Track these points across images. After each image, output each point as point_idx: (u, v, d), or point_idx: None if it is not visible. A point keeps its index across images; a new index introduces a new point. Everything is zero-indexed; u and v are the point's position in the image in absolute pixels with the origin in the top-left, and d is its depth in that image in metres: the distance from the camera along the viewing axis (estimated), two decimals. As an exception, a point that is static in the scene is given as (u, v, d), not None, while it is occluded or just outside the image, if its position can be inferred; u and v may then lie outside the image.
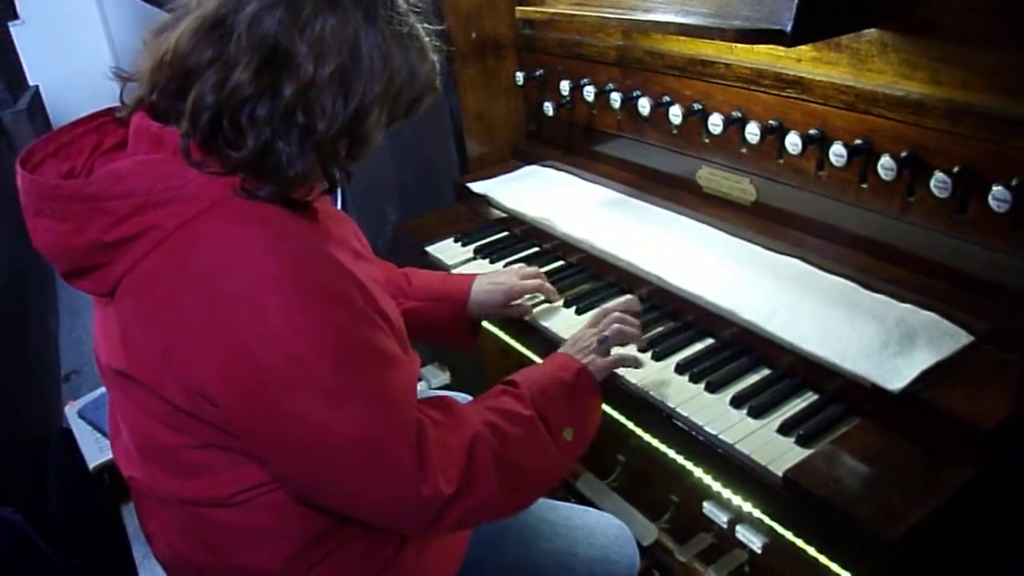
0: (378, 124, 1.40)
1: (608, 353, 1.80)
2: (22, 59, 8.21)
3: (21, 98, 7.36)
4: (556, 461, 1.63)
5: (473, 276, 2.16)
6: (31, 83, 8.20)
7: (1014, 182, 1.58)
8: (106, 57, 9.87)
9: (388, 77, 1.37)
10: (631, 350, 1.87)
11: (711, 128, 2.15)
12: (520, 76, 2.76)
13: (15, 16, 9.51)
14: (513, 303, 2.14)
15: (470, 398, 2.14)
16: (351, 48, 1.33)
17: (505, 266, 2.42)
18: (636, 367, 1.85)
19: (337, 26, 1.31)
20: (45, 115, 8.16)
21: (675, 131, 2.31)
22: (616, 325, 1.83)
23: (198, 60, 1.30)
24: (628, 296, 1.95)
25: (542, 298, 2.19)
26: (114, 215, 1.29)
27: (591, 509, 2.01)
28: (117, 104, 1.47)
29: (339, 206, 3.09)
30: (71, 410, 3.12)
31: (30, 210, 1.37)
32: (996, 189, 1.59)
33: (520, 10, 2.43)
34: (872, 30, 1.80)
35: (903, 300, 1.81)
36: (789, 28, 1.65)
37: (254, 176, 1.31)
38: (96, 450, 2.89)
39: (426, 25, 1.47)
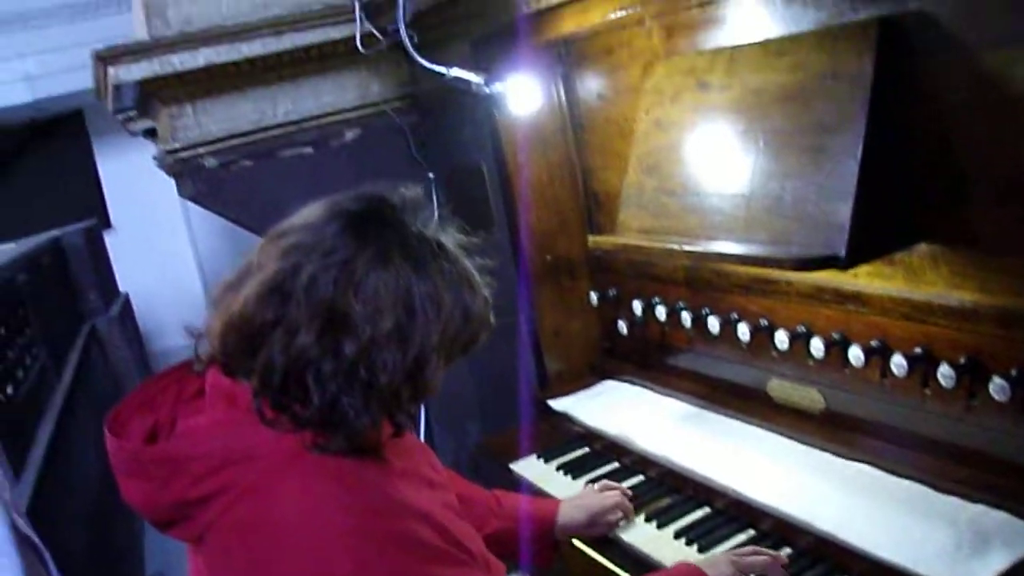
0: (437, 368, 1.50)
1: None
2: (114, 267, 8.69)
3: (113, 305, 7.77)
4: None
5: (559, 500, 2.30)
6: (121, 290, 8.65)
7: (1069, 381, 1.70)
8: (191, 266, 10.45)
9: (443, 323, 1.48)
10: None
11: (778, 344, 2.31)
12: (594, 296, 2.97)
13: (108, 225, 10.15)
14: (597, 523, 2.27)
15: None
16: (405, 303, 1.44)
17: (586, 484, 2.55)
18: None
19: (390, 281, 1.43)
20: (134, 322, 8.59)
21: (744, 346, 2.47)
22: (759, 558, 1.94)
23: (262, 323, 1.42)
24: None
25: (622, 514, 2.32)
26: (195, 474, 1.43)
27: None
28: (200, 312, 1.62)
29: (421, 425, 3.27)
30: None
31: (118, 470, 1.52)
32: (1052, 389, 1.72)
33: (593, 240, 2.66)
34: (922, 244, 1.96)
35: (974, 501, 1.90)
36: (843, 253, 1.84)
37: (323, 431, 1.44)
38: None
39: (477, 260, 1.58)
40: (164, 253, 10.20)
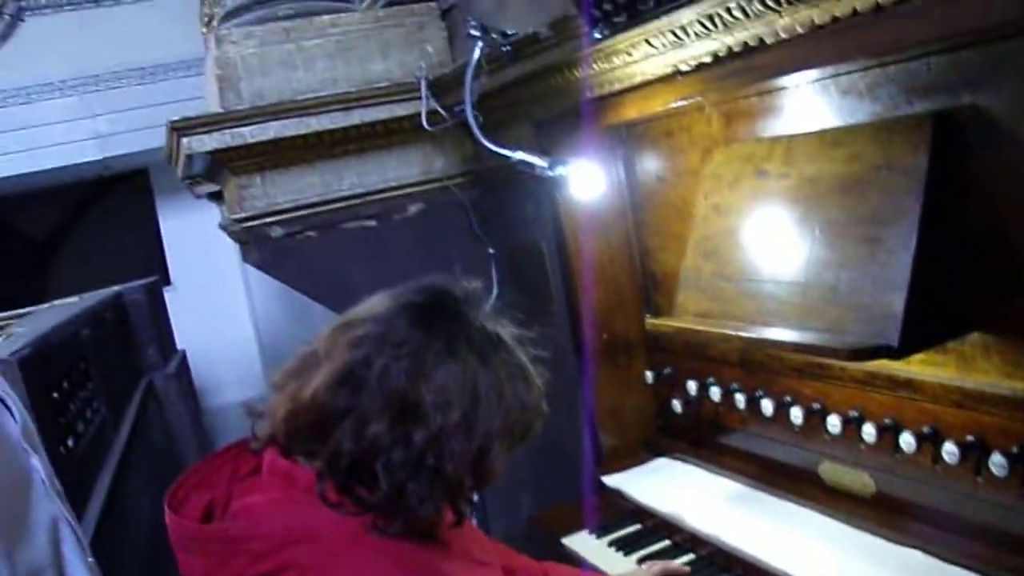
0: (499, 456, 1.58)
1: None
2: (172, 324, 8.88)
3: (170, 361, 7.93)
4: None
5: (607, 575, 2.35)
6: (179, 347, 8.82)
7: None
8: (247, 325, 10.61)
9: (504, 413, 1.57)
10: None
11: (830, 427, 2.35)
12: (649, 375, 3.02)
13: (168, 282, 10.38)
14: None
15: None
16: (471, 393, 1.53)
17: (638, 560, 2.59)
18: None
19: (458, 373, 1.52)
20: (190, 378, 8.74)
21: (797, 429, 2.51)
22: None
23: (333, 410, 1.52)
24: None
25: None
26: (254, 553, 1.49)
27: None
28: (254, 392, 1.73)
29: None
30: None
31: (178, 546, 1.60)
32: (1105, 481, 1.75)
33: (651, 322, 2.74)
34: (974, 334, 2.01)
35: (1028, 592, 1.93)
36: (897, 343, 1.90)
37: (386, 515, 1.51)
38: None
39: (531, 351, 1.68)
40: (221, 312, 10.37)
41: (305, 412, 1.55)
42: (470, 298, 1.65)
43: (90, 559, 1.21)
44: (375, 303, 1.63)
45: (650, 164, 3.00)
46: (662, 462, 3.06)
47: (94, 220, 10.85)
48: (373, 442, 1.49)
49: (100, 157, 9.34)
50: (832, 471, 2.45)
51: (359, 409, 1.50)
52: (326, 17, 3.39)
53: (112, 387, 5.91)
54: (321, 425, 1.53)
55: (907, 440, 2.13)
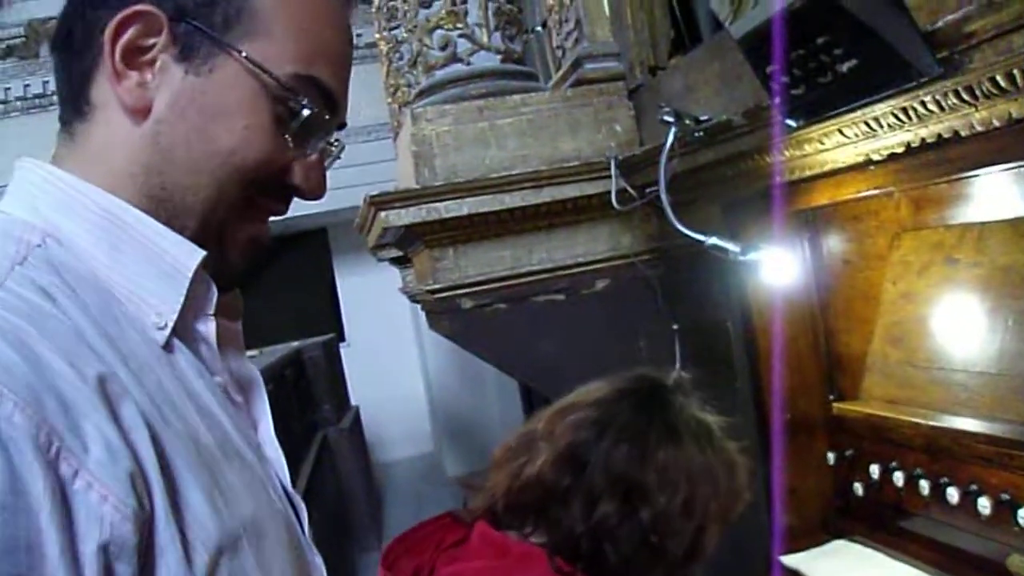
0: (713, 537, 1.70)
1: None
2: (347, 380, 9.19)
3: (344, 417, 8.22)
4: None
5: None
6: (352, 403, 9.12)
7: None
8: (418, 382, 10.89)
9: (718, 496, 1.69)
10: None
11: (1020, 520, 2.35)
12: (831, 456, 3.06)
13: (343, 339, 10.76)
14: None
15: None
16: (691, 477, 1.65)
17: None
18: None
19: (679, 456, 1.65)
20: (361, 435, 9.02)
21: (983, 518, 2.51)
22: None
23: (557, 488, 1.65)
24: None
25: None
26: None
27: None
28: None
29: None
30: None
31: None
32: None
33: (838, 408, 2.79)
34: None
35: None
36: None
37: None
38: None
39: (733, 442, 1.79)
40: (393, 369, 10.70)
41: (529, 489, 1.69)
42: (683, 388, 1.79)
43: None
44: (593, 389, 1.78)
45: (836, 246, 3.07)
46: (840, 544, 3.08)
47: (272, 276, 11.36)
48: (602, 520, 1.61)
49: (280, 217, 9.79)
50: (1021, 564, 2.45)
51: (585, 488, 1.63)
52: (517, 96, 3.54)
53: (290, 441, 6.19)
54: (544, 502, 1.67)
55: (1100, 538, 2.14)
